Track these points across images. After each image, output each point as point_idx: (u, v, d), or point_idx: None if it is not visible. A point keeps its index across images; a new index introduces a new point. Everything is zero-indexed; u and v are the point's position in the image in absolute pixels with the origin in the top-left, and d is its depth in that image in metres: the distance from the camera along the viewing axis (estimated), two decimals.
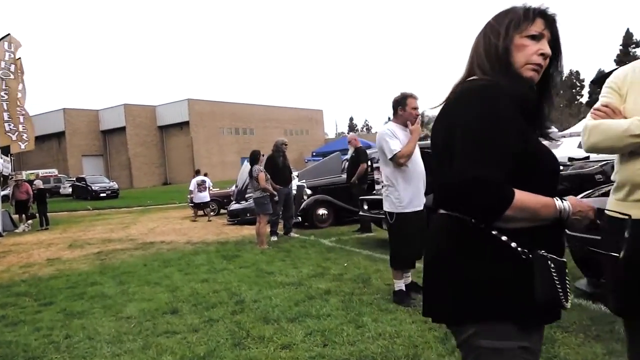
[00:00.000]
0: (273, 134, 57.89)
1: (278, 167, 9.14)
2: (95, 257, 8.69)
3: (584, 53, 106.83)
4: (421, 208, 4.35)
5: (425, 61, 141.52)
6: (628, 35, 71.33)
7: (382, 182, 4.49)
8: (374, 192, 7.84)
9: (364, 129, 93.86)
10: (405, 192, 4.28)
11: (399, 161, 4.24)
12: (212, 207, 17.09)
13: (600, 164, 6.63)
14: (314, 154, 24.44)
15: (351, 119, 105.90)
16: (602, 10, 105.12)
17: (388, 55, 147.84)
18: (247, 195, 13.67)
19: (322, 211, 10.45)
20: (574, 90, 63.07)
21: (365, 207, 7.78)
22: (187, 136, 49.85)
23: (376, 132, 7.89)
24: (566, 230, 1.92)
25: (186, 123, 49.87)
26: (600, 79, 4.77)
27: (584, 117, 2.97)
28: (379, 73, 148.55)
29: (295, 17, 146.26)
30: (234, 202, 14.41)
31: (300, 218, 10.34)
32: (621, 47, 71.63)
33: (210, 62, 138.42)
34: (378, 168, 7.36)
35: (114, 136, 51.07)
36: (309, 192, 10.65)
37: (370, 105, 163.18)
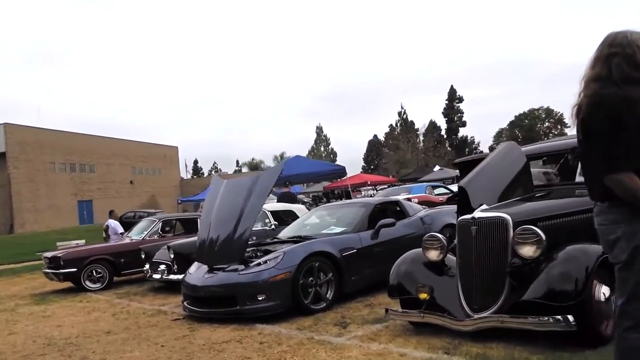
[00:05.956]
0: (119, 172, 46.48)
1: None
2: None
3: (417, 105, 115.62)
4: None
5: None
6: (452, 91, 77.78)
7: None
8: None
9: (213, 172, 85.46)
10: None
11: None
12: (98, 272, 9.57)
13: None
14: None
15: (196, 162, 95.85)
16: (429, 66, 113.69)
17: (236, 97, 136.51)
18: (262, 248, 5.96)
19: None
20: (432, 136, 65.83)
21: None
22: (3, 173, 36.37)
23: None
24: None
25: (1, 155, 36.52)
26: None
27: None
28: (227, 115, 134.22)
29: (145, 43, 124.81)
30: (196, 266, 6.48)
31: None
32: (447, 102, 77.70)
33: (35, 77, 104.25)
34: None
35: None
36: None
37: (217, 148, 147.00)
